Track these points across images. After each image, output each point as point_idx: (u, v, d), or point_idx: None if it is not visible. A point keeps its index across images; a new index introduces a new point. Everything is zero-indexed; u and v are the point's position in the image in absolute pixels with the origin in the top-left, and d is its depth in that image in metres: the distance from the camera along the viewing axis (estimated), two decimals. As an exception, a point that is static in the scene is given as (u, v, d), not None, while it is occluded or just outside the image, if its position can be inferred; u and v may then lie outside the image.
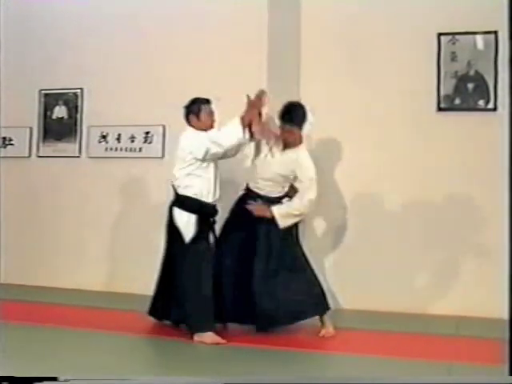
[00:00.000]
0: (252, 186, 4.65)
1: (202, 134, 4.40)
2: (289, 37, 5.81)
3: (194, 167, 4.38)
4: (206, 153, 4.32)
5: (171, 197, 4.54)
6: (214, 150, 4.31)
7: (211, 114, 4.57)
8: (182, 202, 4.42)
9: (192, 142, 4.39)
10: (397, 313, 5.26)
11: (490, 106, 5.37)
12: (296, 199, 4.48)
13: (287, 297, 4.40)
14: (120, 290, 6.08)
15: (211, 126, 4.53)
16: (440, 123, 5.49)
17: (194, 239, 4.34)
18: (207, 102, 4.57)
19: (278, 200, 4.55)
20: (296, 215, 4.50)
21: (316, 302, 4.51)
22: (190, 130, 4.52)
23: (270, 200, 4.54)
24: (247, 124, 4.32)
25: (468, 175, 5.40)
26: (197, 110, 4.51)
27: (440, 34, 5.48)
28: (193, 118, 4.53)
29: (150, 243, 6.04)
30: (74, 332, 4.47)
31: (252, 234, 4.49)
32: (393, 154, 5.56)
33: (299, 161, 4.51)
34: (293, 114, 4.49)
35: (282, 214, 4.45)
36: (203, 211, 4.41)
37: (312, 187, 4.46)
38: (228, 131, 4.33)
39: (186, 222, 4.35)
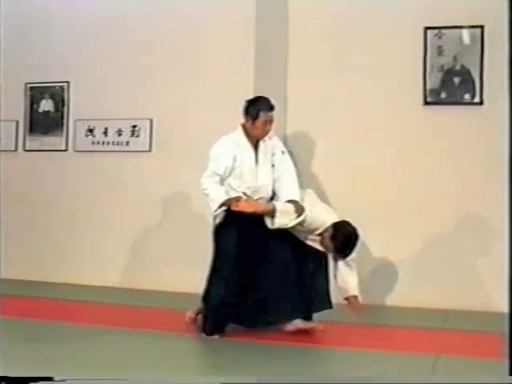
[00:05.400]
0: None
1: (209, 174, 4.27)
2: (276, 33, 5.79)
3: None
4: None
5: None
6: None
7: (266, 123, 4.29)
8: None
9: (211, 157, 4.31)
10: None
11: (476, 100, 5.41)
12: None
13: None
14: (113, 285, 6.10)
15: (263, 135, 4.35)
16: (426, 117, 5.52)
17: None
18: (270, 108, 4.30)
19: None
20: None
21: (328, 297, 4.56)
22: (230, 138, 4.34)
23: None
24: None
25: (455, 169, 5.44)
26: (254, 116, 4.28)
27: (426, 28, 5.50)
28: (248, 119, 4.32)
29: (136, 236, 6.07)
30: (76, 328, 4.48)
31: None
32: (379, 148, 5.58)
33: None
34: (350, 251, 4.31)
35: None
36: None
37: None
38: (212, 197, 4.22)
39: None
